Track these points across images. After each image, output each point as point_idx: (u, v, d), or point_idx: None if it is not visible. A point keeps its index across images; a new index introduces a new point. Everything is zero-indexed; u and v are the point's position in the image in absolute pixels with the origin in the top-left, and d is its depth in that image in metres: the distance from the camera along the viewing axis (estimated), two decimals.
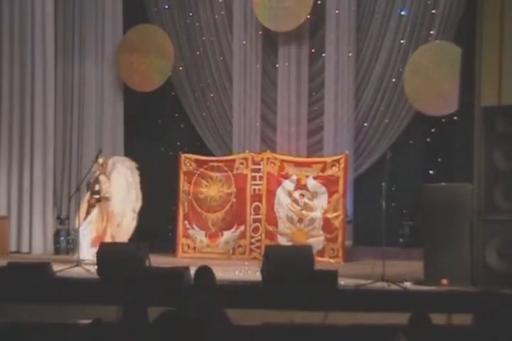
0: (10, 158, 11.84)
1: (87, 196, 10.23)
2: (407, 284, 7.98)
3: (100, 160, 10.22)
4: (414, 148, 11.85)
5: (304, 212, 10.85)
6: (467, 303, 6.60)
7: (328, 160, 10.97)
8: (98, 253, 8.58)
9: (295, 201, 10.90)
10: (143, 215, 12.06)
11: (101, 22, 12.44)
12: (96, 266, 8.45)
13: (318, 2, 11.89)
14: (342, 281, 7.98)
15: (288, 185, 10.95)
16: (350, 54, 11.84)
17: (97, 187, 10.18)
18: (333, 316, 7.11)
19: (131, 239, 11.61)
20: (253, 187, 11.11)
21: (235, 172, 11.19)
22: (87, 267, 8.86)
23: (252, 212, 11.08)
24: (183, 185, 11.32)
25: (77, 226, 10.01)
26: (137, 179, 10.56)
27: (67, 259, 9.93)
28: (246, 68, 12.23)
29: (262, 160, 11.13)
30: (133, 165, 10.61)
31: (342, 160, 10.83)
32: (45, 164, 11.84)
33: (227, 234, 11.13)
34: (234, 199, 11.17)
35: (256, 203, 11.07)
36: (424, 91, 11.31)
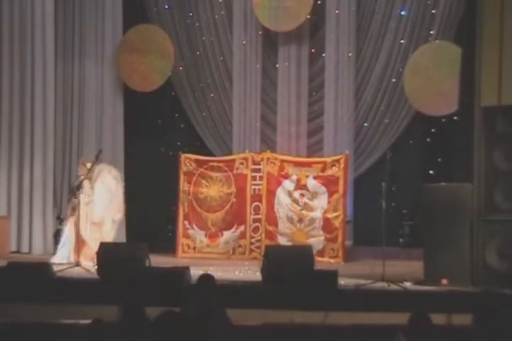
0: (10, 158, 11.83)
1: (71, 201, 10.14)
2: (407, 284, 7.98)
3: (88, 164, 10.04)
4: (414, 148, 11.85)
5: (304, 212, 10.85)
6: (467, 303, 6.59)
7: (328, 160, 10.97)
8: (98, 253, 8.58)
9: (295, 201, 10.90)
10: (143, 215, 12.12)
11: (101, 22, 12.43)
12: (96, 266, 8.45)
13: (318, 2, 11.89)
14: (342, 281, 7.98)
15: (288, 185, 10.95)
16: (350, 54, 11.84)
17: (80, 191, 10.03)
18: (333, 316, 7.12)
19: (131, 239, 11.67)
20: (253, 187, 11.11)
21: (235, 172, 11.19)
22: (87, 267, 8.87)
23: (252, 212, 11.08)
24: (183, 185, 11.32)
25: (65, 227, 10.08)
26: (121, 190, 10.32)
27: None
28: (246, 68, 12.23)
29: (262, 160, 11.13)
30: (119, 174, 10.43)
31: (342, 160, 10.83)
32: (45, 164, 11.83)
33: (227, 234, 11.13)
34: (234, 199, 11.17)
35: (256, 203, 11.07)
36: (424, 91, 11.31)
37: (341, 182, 10.77)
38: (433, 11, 11.54)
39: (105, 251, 8.62)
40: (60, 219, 11.90)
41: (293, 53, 12.08)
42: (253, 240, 11.02)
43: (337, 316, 7.11)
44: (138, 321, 4.70)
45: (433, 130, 11.66)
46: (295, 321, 6.96)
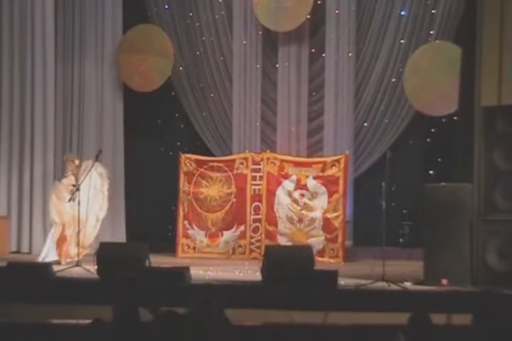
0: (10, 158, 11.84)
1: (53, 197, 10.10)
2: (407, 284, 7.98)
3: (77, 161, 10.07)
4: (414, 148, 11.85)
5: (303, 212, 10.85)
6: (467, 303, 6.58)
7: (328, 160, 10.97)
8: (98, 253, 8.58)
9: (295, 201, 10.90)
10: (143, 215, 12.13)
11: (101, 22, 12.43)
12: (96, 266, 8.45)
13: (318, 2, 11.89)
14: (342, 281, 7.97)
15: (288, 185, 10.95)
16: (350, 54, 11.84)
17: (69, 187, 10.01)
18: (333, 316, 7.12)
19: (131, 239, 11.68)
20: (253, 187, 11.12)
21: (235, 172, 11.19)
22: (87, 267, 8.87)
23: (252, 212, 11.08)
24: (183, 185, 11.32)
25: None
26: (106, 187, 10.26)
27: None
28: (246, 68, 12.23)
29: (262, 160, 11.13)
30: (104, 172, 10.32)
31: (342, 160, 10.83)
32: (45, 164, 11.83)
33: (227, 234, 11.13)
34: (234, 199, 11.17)
35: (256, 203, 11.07)
36: (424, 91, 11.31)
37: (341, 182, 10.77)
38: (433, 11, 11.54)
39: (105, 251, 8.62)
40: None
41: (293, 53, 12.08)
42: (253, 240, 11.02)
43: (337, 316, 7.11)
44: (130, 322, 4.70)
45: (433, 130, 11.66)
46: (295, 320, 6.96)
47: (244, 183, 11.14)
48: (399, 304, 7.09)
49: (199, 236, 11.23)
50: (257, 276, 8.27)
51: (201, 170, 11.30)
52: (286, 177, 10.99)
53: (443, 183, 8.51)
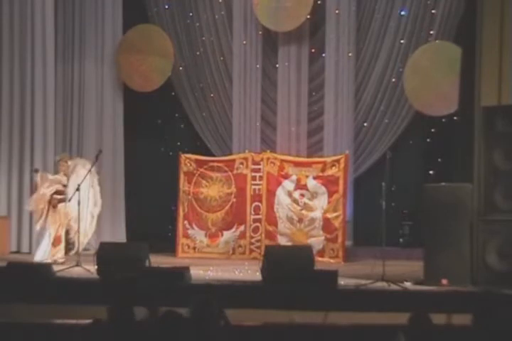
0: (10, 158, 11.84)
1: (46, 196, 10.09)
2: (407, 284, 7.98)
3: (69, 162, 10.12)
4: (414, 148, 11.86)
5: (303, 212, 10.85)
6: (467, 303, 6.59)
7: (328, 160, 10.97)
8: (98, 253, 8.58)
9: (295, 201, 10.90)
10: (143, 215, 12.13)
11: (101, 22, 12.44)
12: (96, 266, 8.45)
13: (318, 2, 11.89)
14: (342, 281, 7.97)
15: (288, 185, 10.95)
16: (350, 54, 11.84)
17: (59, 188, 10.03)
18: (333, 316, 7.12)
19: (131, 239, 11.67)
20: (253, 187, 11.12)
21: (235, 172, 11.19)
22: (87, 267, 8.86)
23: (252, 212, 11.08)
24: (183, 185, 11.32)
25: (37, 225, 10.03)
26: (96, 182, 10.29)
27: (67, 259, 9.91)
28: (246, 68, 12.23)
29: (262, 160, 11.13)
30: (94, 169, 10.24)
31: (342, 160, 10.82)
32: (45, 164, 11.82)
33: (227, 234, 11.13)
34: (234, 199, 11.18)
35: (256, 203, 11.07)
36: (424, 91, 11.32)
37: (341, 182, 10.77)
38: (433, 11, 11.54)
39: (105, 251, 8.62)
40: None
41: (293, 53, 12.09)
42: (253, 240, 11.02)
43: (337, 316, 7.11)
44: (124, 321, 4.71)
45: (433, 130, 11.66)
46: (295, 320, 6.96)
47: (244, 183, 11.14)
48: (399, 304, 7.08)
49: (199, 236, 11.23)
50: (257, 276, 8.27)
51: (201, 170, 11.30)
52: (286, 177, 10.99)
53: (443, 183, 8.50)
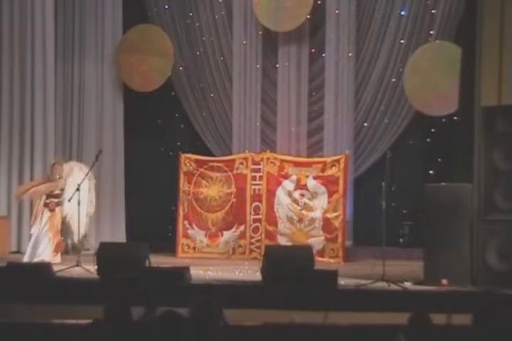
0: (10, 158, 11.84)
1: (42, 199, 10.08)
2: (407, 284, 7.98)
3: (64, 165, 10.21)
4: (414, 148, 11.86)
5: (303, 212, 10.85)
6: (467, 303, 6.58)
7: (328, 160, 10.97)
8: (98, 253, 8.58)
9: (295, 201, 10.90)
10: (143, 215, 12.13)
11: (101, 22, 12.43)
12: (96, 266, 8.45)
13: (318, 2, 11.89)
14: (342, 281, 7.97)
15: (288, 185, 10.95)
16: (350, 54, 11.84)
17: (56, 191, 10.02)
18: (333, 316, 7.11)
19: (131, 239, 11.67)
20: (253, 187, 11.12)
21: (235, 172, 11.19)
22: (87, 267, 8.86)
23: (252, 212, 11.08)
24: (183, 185, 11.32)
25: (32, 229, 10.01)
26: (92, 185, 10.44)
27: (67, 259, 9.91)
28: (246, 68, 12.23)
29: (262, 160, 11.13)
30: (91, 173, 10.38)
31: (342, 160, 10.82)
32: (45, 164, 11.82)
33: (227, 234, 11.13)
34: (234, 199, 11.17)
35: (256, 203, 11.07)
36: (424, 91, 11.32)
37: (341, 182, 10.77)
38: (433, 11, 11.54)
39: (105, 251, 8.62)
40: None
41: (293, 53, 12.09)
42: (253, 240, 11.02)
43: (337, 316, 7.11)
44: (121, 321, 4.71)
45: (433, 130, 11.66)
46: (295, 320, 6.96)
47: (244, 183, 11.14)
48: (399, 304, 7.08)
49: (199, 236, 11.23)
50: (257, 276, 8.27)
51: (201, 170, 11.30)
52: (286, 177, 10.99)
53: (443, 183, 8.50)
